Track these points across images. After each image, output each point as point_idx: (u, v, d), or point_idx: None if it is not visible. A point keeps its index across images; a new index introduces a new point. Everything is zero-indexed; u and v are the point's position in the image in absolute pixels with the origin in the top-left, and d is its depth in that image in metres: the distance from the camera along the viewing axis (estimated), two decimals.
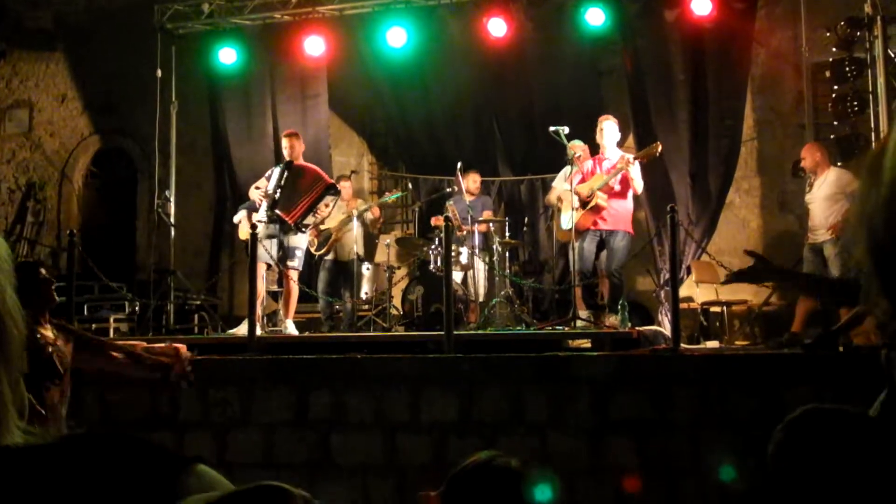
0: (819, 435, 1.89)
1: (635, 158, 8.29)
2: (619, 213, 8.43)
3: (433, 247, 9.24)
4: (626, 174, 8.32)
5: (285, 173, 8.76)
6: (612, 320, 8.11)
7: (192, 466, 1.07)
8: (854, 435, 1.82)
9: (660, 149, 8.34)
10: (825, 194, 8.15)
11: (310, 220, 8.81)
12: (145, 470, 1.03)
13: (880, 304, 1.08)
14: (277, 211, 8.65)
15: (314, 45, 10.64)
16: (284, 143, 9.00)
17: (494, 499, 2.23)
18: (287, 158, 8.90)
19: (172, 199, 10.41)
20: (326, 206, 8.85)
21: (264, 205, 8.74)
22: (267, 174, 9.05)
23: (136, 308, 10.28)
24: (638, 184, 8.38)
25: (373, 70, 11.23)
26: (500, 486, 2.24)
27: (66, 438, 1.08)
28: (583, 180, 8.51)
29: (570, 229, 8.36)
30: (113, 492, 1.01)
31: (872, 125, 8.78)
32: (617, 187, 8.38)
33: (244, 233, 9.00)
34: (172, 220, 10.35)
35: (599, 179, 8.38)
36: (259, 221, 8.57)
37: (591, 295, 8.67)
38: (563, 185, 8.72)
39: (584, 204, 8.36)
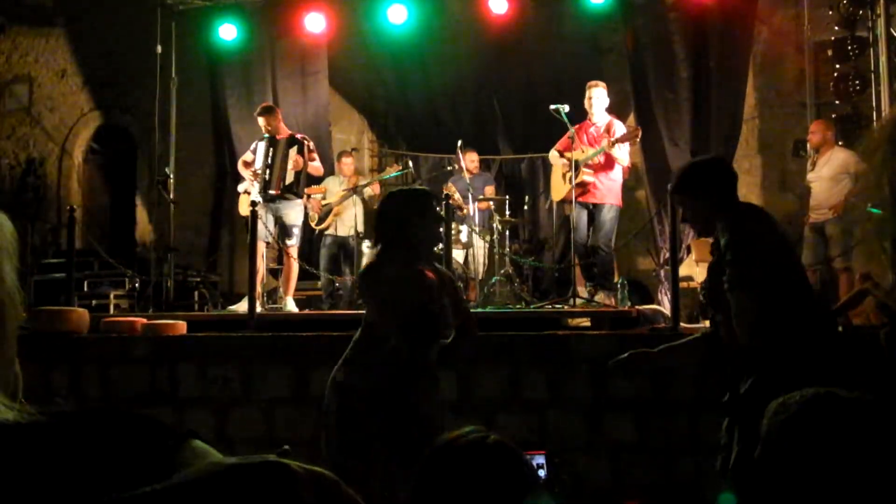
0: (816, 419, 1.89)
1: (614, 142, 8.24)
2: (606, 186, 8.40)
3: None
4: (612, 136, 8.34)
5: (270, 150, 8.73)
6: (601, 297, 8.11)
7: (186, 441, 1.07)
8: (850, 418, 1.82)
9: (639, 135, 8.31)
10: (829, 174, 8.12)
11: (290, 178, 8.74)
12: (140, 445, 1.03)
13: (883, 282, 1.07)
14: (271, 191, 8.65)
15: (314, 22, 10.58)
16: (260, 121, 8.90)
17: (496, 484, 1.89)
18: (266, 134, 8.85)
19: (172, 175, 10.38)
20: (295, 159, 8.75)
21: (256, 185, 8.74)
22: (252, 147, 9.01)
23: (136, 284, 10.28)
24: (623, 160, 8.38)
25: (373, 47, 11.18)
26: (502, 466, 1.91)
27: (59, 415, 1.07)
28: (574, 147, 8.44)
29: (559, 201, 8.38)
30: (108, 467, 1.01)
31: (874, 104, 8.75)
32: (600, 159, 8.37)
33: (244, 208, 8.99)
34: (172, 196, 10.33)
35: (581, 155, 8.35)
36: (255, 201, 8.56)
37: (589, 266, 8.66)
38: (555, 153, 8.69)
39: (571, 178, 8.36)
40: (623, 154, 8.35)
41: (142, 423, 1.05)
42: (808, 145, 8.37)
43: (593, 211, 8.42)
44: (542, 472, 2.16)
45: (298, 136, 9.00)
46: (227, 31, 10.84)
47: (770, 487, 1.77)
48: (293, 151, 8.78)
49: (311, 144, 9.09)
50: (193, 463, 1.02)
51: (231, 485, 0.95)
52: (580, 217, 8.40)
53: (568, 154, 8.36)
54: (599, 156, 8.29)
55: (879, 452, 1.63)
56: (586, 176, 8.27)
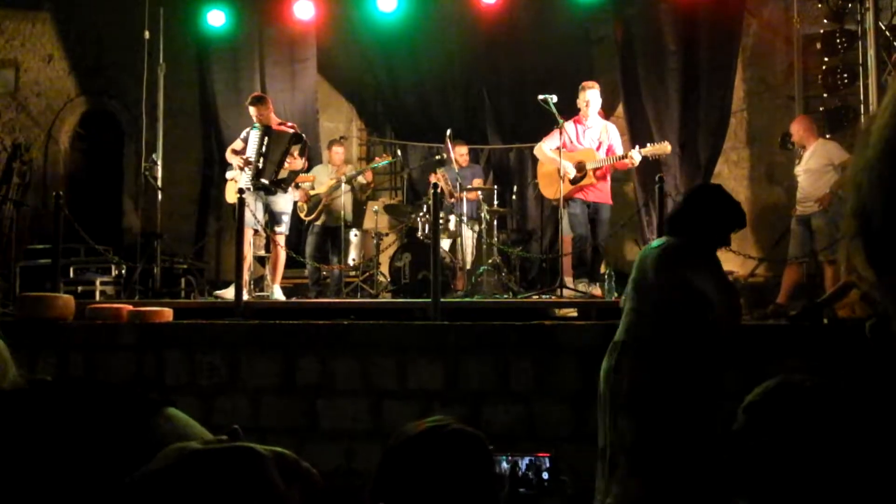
0: (783, 410, 1.93)
1: (643, 153, 8.15)
2: (605, 188, 8.42)
3: (421, 214, 9.24)
4: (611, 147, 8.31)
5: (265, 140, 8.66)
6: (594, 290, 8.14)
7: (162, 409, 1.09)
8: (818, 407, 1.86)
9: (669, 149, 8.23)
10: (814, 166, 8.14)
11: (284, 174, 8.71)
12: (117, 412, 1.04)
13: (866, 275, 1.08)
14: (263, 180, 8.60)
15: (303, 9, 10.56)
16: (251, 110, 8.79)
17: (460, 471, 1.92)
18: (256, 123, 8.79)
19: (160, 162, 10.34)
20: (294, 157, 8.74)
21: (247, 172, 8.67)
22: (242, 135, 8.92)
23: (123, 271, 10.23)
24: (619, 149, 8.35)
25: (362, 35, 11.15)
26: (467, 455, 1.94)
27: (35, 384, 1.08)
28: (564, 145, 8.36)
29: (558, 199, 8.31)
30: (86, 434, 1.02)
31: (862, 98, 8.78)
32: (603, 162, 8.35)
33: (231, 195, 8.94)
34: (160, 183, 10.28)
35: (592, 158, 8.28)
36: (245, 188, 8.51)
37: (584, 261, 8.63)
38: (548, 151, 8.60)
39: (575, 179, 8.29)
40: (617, 142, 8.39)
41: (118, 392, 1.07)
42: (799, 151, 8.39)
43: (591, 210, 8.38)
44: (545, 475, 2.18)
45: (296, 130, 8.92)
46: (216, 18, 10.81)
47: (743, 471, 1.86)
48: (296, 150, 8.74)
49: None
50: (169, 429, 1.03)
51: (203, 472, 0.96)
52: (583, 213, 8.36)
53: (574, 155, 8.30)
54: (605, 160, 8.25)
55: (831, 434, 1.72)
56: (592, 179, 8.26)
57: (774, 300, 8.15)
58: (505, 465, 2.19)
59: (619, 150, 8.31)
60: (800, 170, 8.32)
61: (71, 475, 1.00)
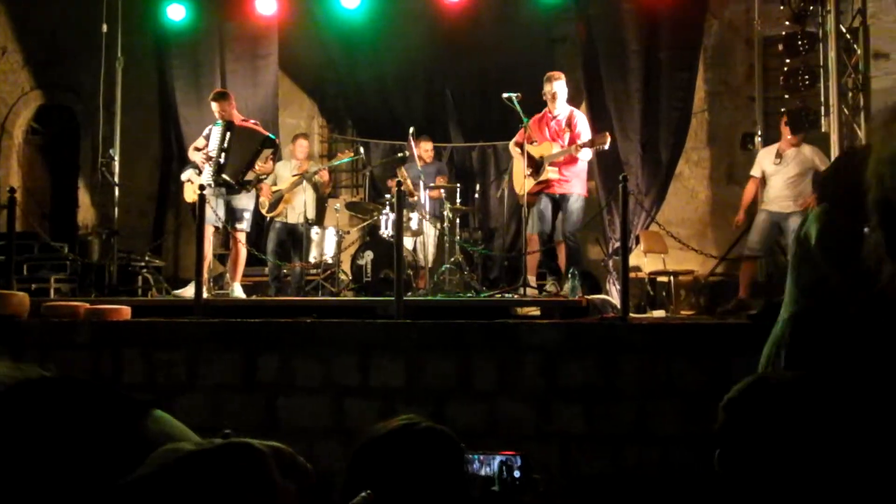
0: (764, 405, 1.93)
1: (580, 146, 8.14)
2: (571, 177, 8.30)
3: (384, 212, 9.19)
4: (575, 134, 8.25)
5: (227, 135, 8.56)
6: (566, 289, 8.10)
7: (149, 410, 1.09)
8: (798, 401, 1.87)
9: (607, 142, 8.10)
10: (798, 170, 8.22)
11: (251, 176, 8.63)
12: (105, 414, 1.03)
13: (886, 266, 1.06)
14: (224, 176, 8.49)
15: (265, 4, 10.47)
16: (214, 106, 8.69)
17: (431, 470, 1.90)
18: (218, 119, 8.69)
19: (117, 157, 10.18)
20: (266, 160, 8.68)
21: (208, 168, 8.56)
22: (205, 133, 8.83)
23: (78, 269, 10.08)
24: (586, 158, 8.30)
25: (325, 31, 11.08)
26: (439, 453, 1.92)
27: (23, 383, 1.04)
28: (529, 140, 8.33)
29: (523, 196, 8.29)
30: (77, 435, 1.00)
31: (823, 99, 8.88)
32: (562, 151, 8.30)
33: (190, 195, 8.82)
34: (117, 179, 10.13)
35: (548, 149, 8.27)
36: (205, 184, 8.40)
37: (552, 258, 8.58)
38: (513, 149, 8.59)
39: (535, 171, 8.28)
40: (586, 154, 8.27)
41: (104, 392, 1.04)
42: (778, 148, 8.40)
43: (559, 201, 8.33)
44: (517, 474, 2.15)
45: (259, 127, 8.81)
46: (176, 12, 10.67)
47: (728, 469, 1.86)
48: (267, 153, 8.65)
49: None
50: (157, 431, 1.03)
51: (203, 472, 0.94)
52: (546, 208, 8.32)
53: (529, 147, 8.27)
54: (565, 151, 8.21)
55: (812, 428, 1.73)
56: (551, 173, 8.20)
57: (735, 297, 8.22)
58: (476, 463, 2.15)
59: (585, 138, 8.20)
60: (776, 169, 8.32)
61: (60, 478, 0.97)
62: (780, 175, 8.28)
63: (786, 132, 8.34)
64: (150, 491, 0.92)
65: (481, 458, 2.24)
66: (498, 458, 2.23)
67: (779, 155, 8.32)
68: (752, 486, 1.86)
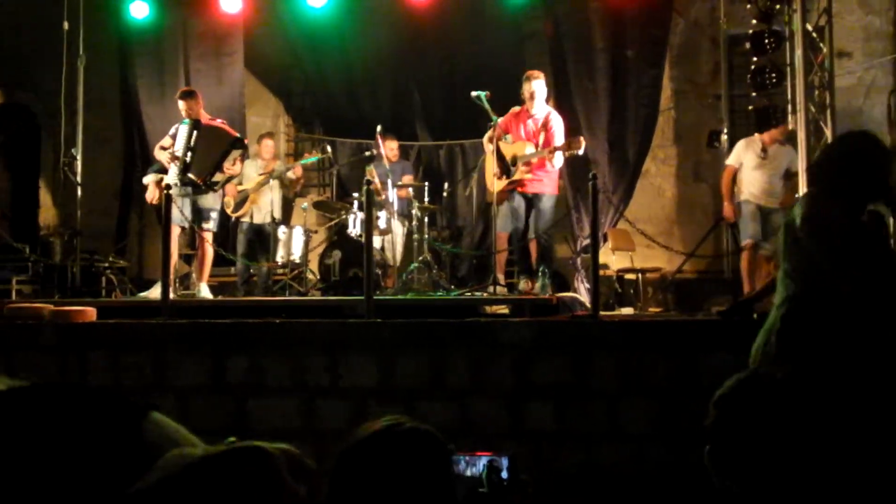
0: (754, 401, 1.94)
1: (553, 150, 8.08)
2: (543, 176, 8.25)
3: (352, 211, 9.14)
4: (550, 135, 8.21)
5: (194, 133, 8.47)
6: (537, 287, 8.11)
7: (148, 413, 1.09)
8: (787, 397, 1.88)
9: (582, 147, 8.00)
10: (780, 168, 8.32)
11: (219, 177, 8.56)
12: (107, 417, 1.01)
13: None
14: (190, 175, 8.39)
15: (230, 2, 10.37)
16: (181, 105, 8.61)
17: (418, 471, 1.85)
18: (185, 118, 8.60)
19: (79, 156, 10.03)
20: (234, 162, 8.61)
21: (174, 168, 8.46)
22: (171, 132, 8.73)
23: (40, 270, 9.93)
24: (558, 163, 8.25)
25: (291, 29, 11.02)
26: (426, 454, 1.88)
27: (20, 389, 1.01)
28: (499, 137, 8.28)
29: (493, 194, 8.25)
30: (80, 440, 0.99)
31: (789, 97, 8.97)
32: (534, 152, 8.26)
33: (153, 197, 8.71)
34: (79, 178, 9.98)
35: (521, 149, 8.23)
36: (171, 184, 8.29)
37: (526, 257, 8.55)
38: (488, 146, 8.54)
39: (506, 171, 8.25)
40: (559, 160, 8.19)
41: (104, 396, 1.02)
42: (763, 144, 8.46)
43: (532, 200, 8.28)
44: (505, 475, 2.13)
45: (226, 127, 8.73)
46: (139, 9, 10.54)
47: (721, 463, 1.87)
48: (236, 154, 8.56)
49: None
50: (156, 434, 1.04)
51: (215, 476, 0.92)
52: (520, 206, 8.29)
53: (502, 144, 8.23)
54: (539, 151, 8.17)
55: (802, 423, 1.82)
56: (525, 174, 8.17)
57: (702, 296, 8.27)
58: (462, 464, 2.12)
59: (559, 141, 8.19)
60: (761, 163, 8.37)
61: (64, 481, 0.94)
62: (764, 170, 8.34)
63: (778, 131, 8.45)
64: (164, 497, 0.89)
65: (467, 458, 2.22)
66: (485, 459, 2.22)
67: (764, 150, 8.38)
68: (743, 481, 1.86)
